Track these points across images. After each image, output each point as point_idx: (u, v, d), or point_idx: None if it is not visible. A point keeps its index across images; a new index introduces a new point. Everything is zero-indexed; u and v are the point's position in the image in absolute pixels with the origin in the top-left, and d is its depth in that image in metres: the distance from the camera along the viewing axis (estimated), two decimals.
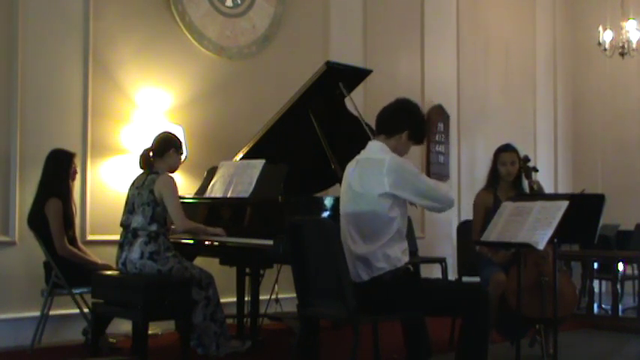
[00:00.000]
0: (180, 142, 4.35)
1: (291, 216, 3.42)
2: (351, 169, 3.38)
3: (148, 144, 4.33)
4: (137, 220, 4.07)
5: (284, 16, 6.29)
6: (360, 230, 3.24)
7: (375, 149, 3.33)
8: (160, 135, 4.33)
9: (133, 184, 4.26)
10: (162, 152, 4.23)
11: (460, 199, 7.76)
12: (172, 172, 4.31)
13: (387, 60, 7.14)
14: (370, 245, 3.20)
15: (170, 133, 4.42)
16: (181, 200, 4.26)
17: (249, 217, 4.38)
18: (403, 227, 3.26)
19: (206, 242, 4.35)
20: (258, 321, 4.60)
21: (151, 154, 4.24)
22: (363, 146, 4.91)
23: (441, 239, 7.36)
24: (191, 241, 4.46)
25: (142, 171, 4.26)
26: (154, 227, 4.05)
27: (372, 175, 3.22)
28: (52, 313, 4.62)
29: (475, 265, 4.65)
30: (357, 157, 3.40)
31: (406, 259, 3.27)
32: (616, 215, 6.82)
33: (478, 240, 3.98)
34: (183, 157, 4.41)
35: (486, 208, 4.56)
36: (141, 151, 4.28)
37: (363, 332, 3.11)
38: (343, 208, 3.37)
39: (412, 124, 3.36)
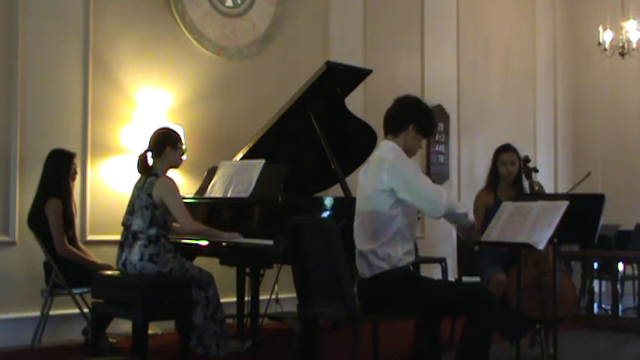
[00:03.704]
0: (176, 137, 4.24)
1: (291, 216, 3.41)
2: (363, 169, 3.43)
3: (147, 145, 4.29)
4: (137, 223, 4.05)
5: (284, 16, 6.30)
6: (365, 228, 3.27)
7: (385, 149, 3.36)
8: (154, 134, 4.25)
9: (135, 184, 4.24)
10: (160, 152, 4.18)
11: (460, 199, 7.75)
12: (176, 167, 4.30)
13: (387, 60, 7.14)
14: (372, 243, 3.22)
15: (164, 130, 4.33)
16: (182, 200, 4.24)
17: (249, 217, 4.38)
18: (406, 228, 3.24)
19: (223, 244, 4.28)
20: (258, 321, 4.60)
21: (149, 154, 4.21)
22: (362, 146, 4.92)
23: (441, 239, 7.35)
24: (191, 241, 4.46)
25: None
26: (153, 231, 4.03)
27: (376, 173, 3.25)
28: (52, 313, 4.62)
29: (475, 265, 4.65)
30: (369, 157, 3.44)
31: (409, 259, 3.25)
32: (616, 215, 6.81)
33: (478, 240, 3.97)
34: (183, 149, 4.28)
35: (486, 208, 4.56)
36: (139, 154, 4.21)
37: (363, 332, 3.11)
38: (357, 207, 3.39)
39: (415, 117, 3.37)
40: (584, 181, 6.14)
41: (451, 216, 3.27)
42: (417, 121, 3.36)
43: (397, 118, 3.38)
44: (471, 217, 3.33)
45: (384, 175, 3.20)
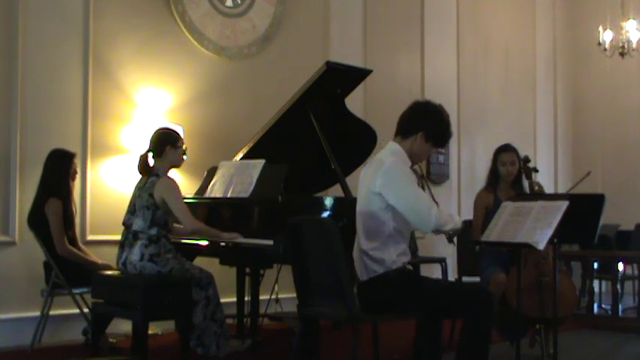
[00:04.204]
0: (176, 137, 4.24)
1: (291, 216, 3.42)
2: (364, 169, 3.42)
3: (147, 145, 4.29)
4: (137, 223, 4.06)
5: (284, 16, 6.30)
6: (362, 229, 3.27)
7: (387, 150, 3.34)
8: (154, 135, 4.26)
9: (137, 184, 4.24)
10: (160, 152, 4.18)
11: (460, 199, 7.76)
12: (177, 166, 4.30)
13: (387, 60, 7.14)
14: (367, 245, 3.22)
15: (164, 129, 4.35)
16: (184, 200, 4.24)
17: (249, 217, 4.38)
18: (399, 230, 3.23)
19: (223, 244, 4.27)
20: (258, 321, 4.60)
21: (150, 155, 4.21)
22: (362, 146, 4.92)
23: (441, 239, 7.29)
24: (191, 241, 4.46)
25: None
26: (153, 231, 4.03)
27: (373, 174, 3.24)
28: (52, 313, 4.62)
29: (475, 265, 4.65)
30: (372, 157, 3.42)
31: (404, 259, 3.25)
32: (616, 215, 6.81)
33: (478, 240, 3.98)
34: (183, 149, 4.27)
35: (486, 208, 4.56)
36: (140, 155, 4.22)
37: (363, 332, 3.11)
38: (357, 207, 3.38)
39: (427, 125, 3.32)
40: (584, 181, 6.15)
41: (440, 232, 3.27)
42: (427, 129, 3.31)
43: (408, 122, 3.35)
44: (458, 224, 3.28)
45: (378, 178, 3.19)
